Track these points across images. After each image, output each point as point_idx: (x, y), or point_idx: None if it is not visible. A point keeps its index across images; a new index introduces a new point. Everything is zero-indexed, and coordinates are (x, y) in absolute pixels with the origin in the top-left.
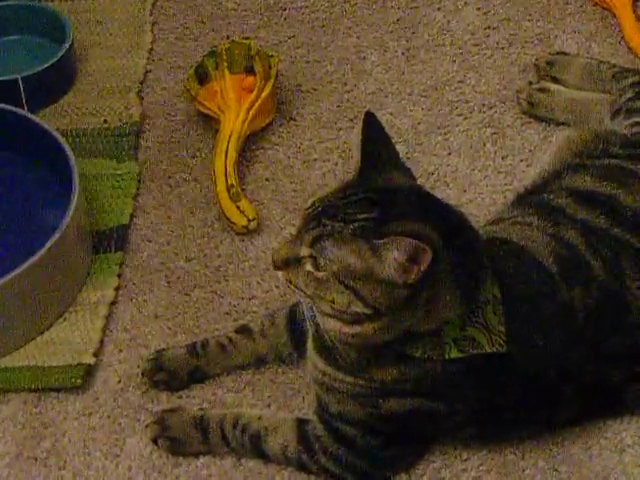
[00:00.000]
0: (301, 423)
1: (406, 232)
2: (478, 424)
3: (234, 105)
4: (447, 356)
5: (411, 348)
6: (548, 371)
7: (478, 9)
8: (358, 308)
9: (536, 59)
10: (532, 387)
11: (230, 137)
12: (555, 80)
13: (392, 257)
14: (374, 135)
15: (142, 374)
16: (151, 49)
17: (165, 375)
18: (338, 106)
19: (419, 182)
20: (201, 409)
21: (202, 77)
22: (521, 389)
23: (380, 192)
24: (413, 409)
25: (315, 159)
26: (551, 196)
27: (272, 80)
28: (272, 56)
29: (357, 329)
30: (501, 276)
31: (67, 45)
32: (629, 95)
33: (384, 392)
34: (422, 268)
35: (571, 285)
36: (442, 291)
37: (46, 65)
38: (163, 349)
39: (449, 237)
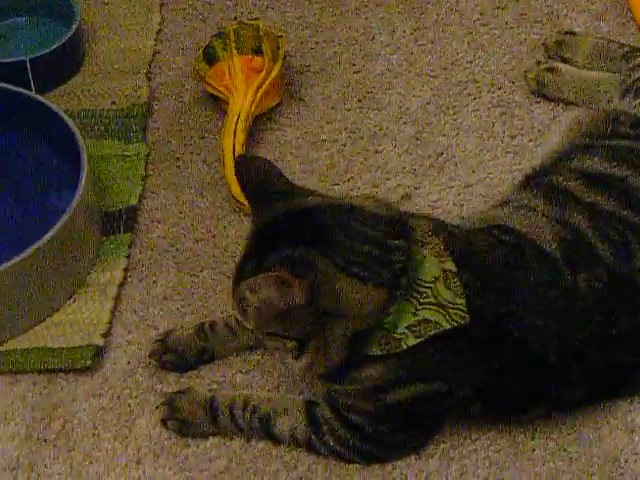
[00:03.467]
0: (310, 405)
1: (271, 265)
2: (483, 400)
3: (242, 86)
4: (405, 345)
5: (367, 349)
6: (549, 350)
7: None
8: (289, 344)
9: (545, 39)
10: (534, 365)
11: (238, 118)
12: (564, 60)
13: (267, 294)
14: (251, 178)
15: (150, 355)
16: (159, 30)
17: (173, 356)
18: (346, 87)
19: (429, 162)
20: (210, 390)
21: (210, 58)
22: (521, 367)
23: (262, 228)
24: (416, 394)
25: (323, 140)
26: (560, 178)
27: (280, 61)
28: (280, 37)
29: (305, 360)
30: (494, 263)
31: (75, 26)
32: (638, 74)
33: (381, 388)
34: (303, 286)
35: (576, 270)
36: (346, 291)
37: (54, 47)
38: (171, 330)
39: (331, 242)
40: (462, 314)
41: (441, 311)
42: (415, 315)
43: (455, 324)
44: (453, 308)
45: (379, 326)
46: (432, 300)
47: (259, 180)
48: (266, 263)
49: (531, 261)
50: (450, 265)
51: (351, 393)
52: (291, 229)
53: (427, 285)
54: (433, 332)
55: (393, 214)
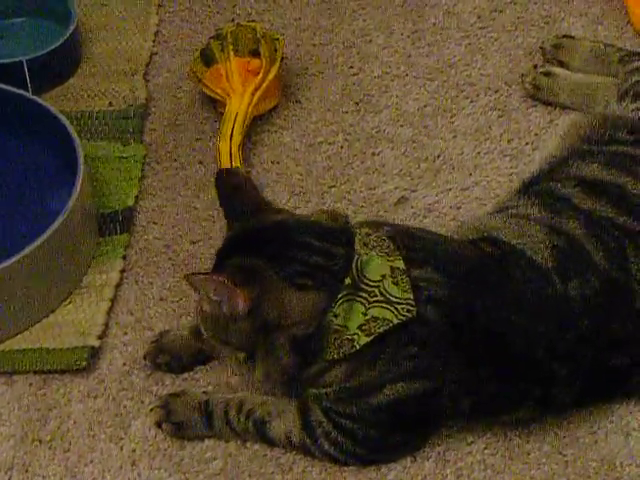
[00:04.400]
0: (304, 409)
1: (222, 270)
2: (470, 397)
3: (240, 88)
4: (357, 346)
5: (325, 354)
6: (534, 351)
7: None
8: (240, 355)
9: (542, 42)
10: (518, 363)
11: (235, 120)
12: (561, 63)
13: (211, 298)
14: (227, 193)
15: (145, 356)
16: (157, 31)
17: (168, 357)
18: (344, 89)
19: (425, 165)
20: (205, 393)
21: (208, 60)
22: (505, 364)
23: (230, 239)
24: (401, 395)
25: (320, 142)
26: (558, 185)
27: (278, 63)
28: (278, 39)
29: (260, 370)
30: (470, 267)
31: (72, 27)
32: (635, 78)
33: (363, 390)
34: (246, 294)
35: (567, 278)
36: (290, 300)
37: (51, 48)
38: (166, 331)
39: (282, 256)
40: (409, 307)
41: (389, 307)
42: (365, 315)
43: (403, 318)
44: (400, 303)
45: (330, 328)
46: (380, 298)
47: (234, 195)
48: (219, 269)
49: (513, 269)
50: (399, 263)
51: (331, 397)
52: (251, 242)
53: (374, 284)
54: (383, 329)
55: (339, 225)
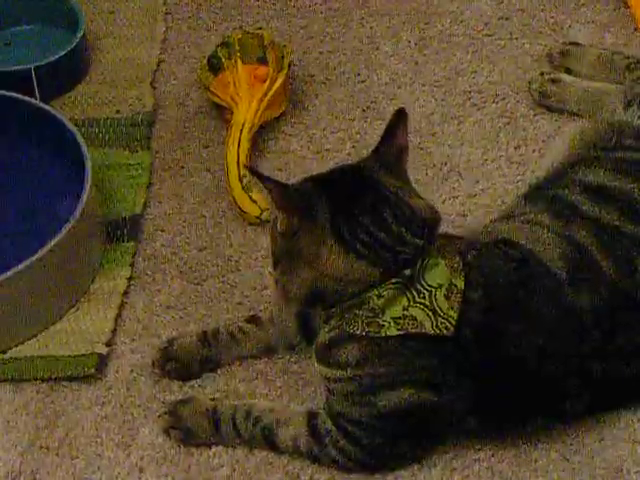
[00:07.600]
0: (312, 416)
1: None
2: (479, 416)
3: (247, 95)
4: (384, 333)
5: (350, 326)
6: (548, 367)
7: None
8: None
9: (549, 49)
10: (531, 381)
11: (243, 127)
12: (568, 70)
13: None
14: (388, 129)
15: (152, 364)
16: (164, 39)
17: (176, 364)
18: (351, 96)
19: (432, 172)
20: (213, 399)
21: (215, 67)
22: (518, 382)
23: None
24: (408, 403)
25: (328, 149)
26: (565, 191)
27: (285, 70)
28: (285, 46)
29: (275, 275)
30: (500, 279)
31: (80, 35)
32: None
33: (371, 387)
34: (282, 218)
35: (579, 290)
36: (329, 254)
37: (59, 55)
38: (174, 338)
39: (351, 212)
40: (448, 325)
41: (430, 315)
42: (405, 310)
43: (438, 332)
44: (443, 317)
45: (367, 304)
46: (427, 303)
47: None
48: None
49: (536, 281)
50: (459, 283)
51: (343, 395)
52: (337, 185)
53: (428, 288)
54: (415, 331)
55: (430, 220)
